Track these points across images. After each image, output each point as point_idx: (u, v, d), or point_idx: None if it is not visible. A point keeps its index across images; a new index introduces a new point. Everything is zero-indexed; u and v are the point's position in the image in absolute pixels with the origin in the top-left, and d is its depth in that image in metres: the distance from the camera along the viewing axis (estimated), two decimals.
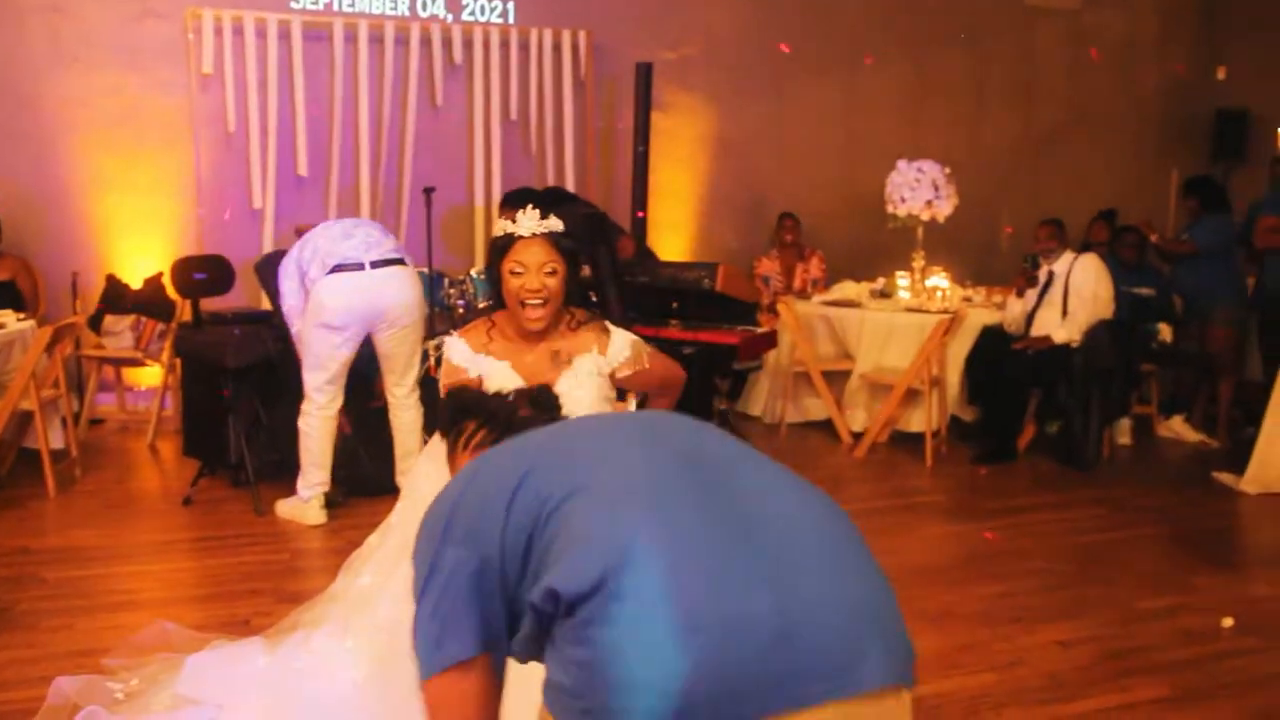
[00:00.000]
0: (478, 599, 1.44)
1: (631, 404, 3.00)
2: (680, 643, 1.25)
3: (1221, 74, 8.87)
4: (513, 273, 2.61)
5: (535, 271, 2.59)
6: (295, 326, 4.64)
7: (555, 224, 2.65)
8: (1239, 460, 5.49)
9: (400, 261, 4.66)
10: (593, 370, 2.69)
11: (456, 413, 1.89)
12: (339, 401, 4.64)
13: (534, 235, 2.62)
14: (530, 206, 2.66)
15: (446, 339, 2.74)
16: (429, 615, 1.45)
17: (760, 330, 5.39)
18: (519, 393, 1.93)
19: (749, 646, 1.27)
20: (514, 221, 2.64)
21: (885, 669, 1.35)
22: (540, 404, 1.88)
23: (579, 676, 1.30)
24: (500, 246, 2.64)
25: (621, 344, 2.75)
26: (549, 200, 2.76)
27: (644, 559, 1.31)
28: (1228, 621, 3.70)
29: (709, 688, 1.25)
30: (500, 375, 2.65)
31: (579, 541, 1.36)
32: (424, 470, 2.88)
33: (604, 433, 1.61)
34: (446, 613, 1.43)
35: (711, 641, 1.26)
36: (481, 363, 2.67)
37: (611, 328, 2.78)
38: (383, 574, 2.78)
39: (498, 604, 1.45)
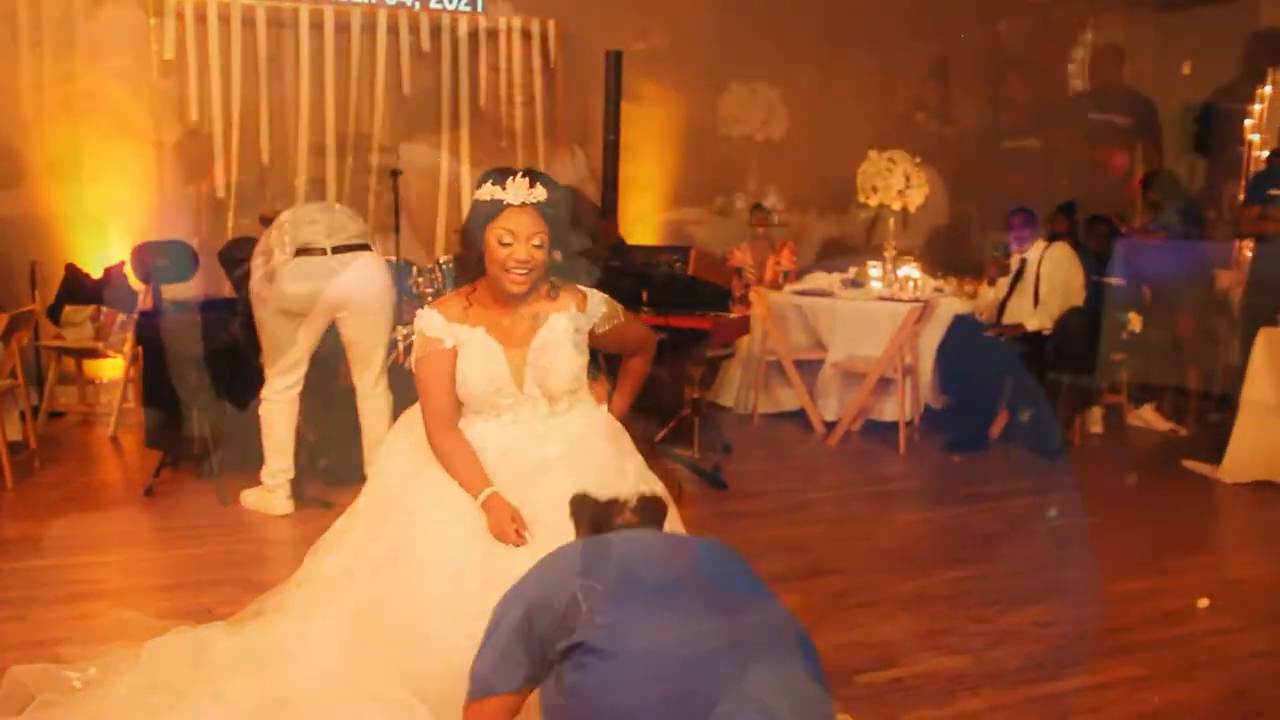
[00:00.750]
0: (523, 647, 1.82)
1: (606, 384, 2.95)
2: (640, 691, 1.66)
3: (1187, 69, 8.94)
4: (501, 242, 2.55)
5: (524, 242, 2.55)
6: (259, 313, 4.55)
7: (542, 194, 2.60)
8: (1208, 447, 5.51)
9: (364, 248, 4.56)
10: (568, 327, 2.66)
11: (578, 523, 2.12)
12: (299, 387, 4.54)
13: (524, 204, 2.57)
14: (520, 174, 2.59)
15: (420, 312, 2.69)
16: (486, 652, 1.86)
17: (734, 315, 5.35)
18: (638, 497, 2.08)
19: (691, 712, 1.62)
20: (503, 188, 2.57)
21: None
22: (643, 512, 2.06)
23: (574, 697, 1.70)
24: (488, 212, 2.57)
25: (598, 300, 2.75)
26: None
27: (630, 624, 1.72)
28: (1203, 602, 3.70)
29: None
30: (476, 341, 2.61)
31: (592, 612, 1.76)
32: (390, 449, 2.82)
33: (643, 543, 1.96)
34: (499, 655, 1.84)
35: (667, 699, 1.64)
36: (458, 331, 2.63)
37: (586, 289, 2.76)
38: (349, 557, 2.71)
39: (536, 653, 1.82)
